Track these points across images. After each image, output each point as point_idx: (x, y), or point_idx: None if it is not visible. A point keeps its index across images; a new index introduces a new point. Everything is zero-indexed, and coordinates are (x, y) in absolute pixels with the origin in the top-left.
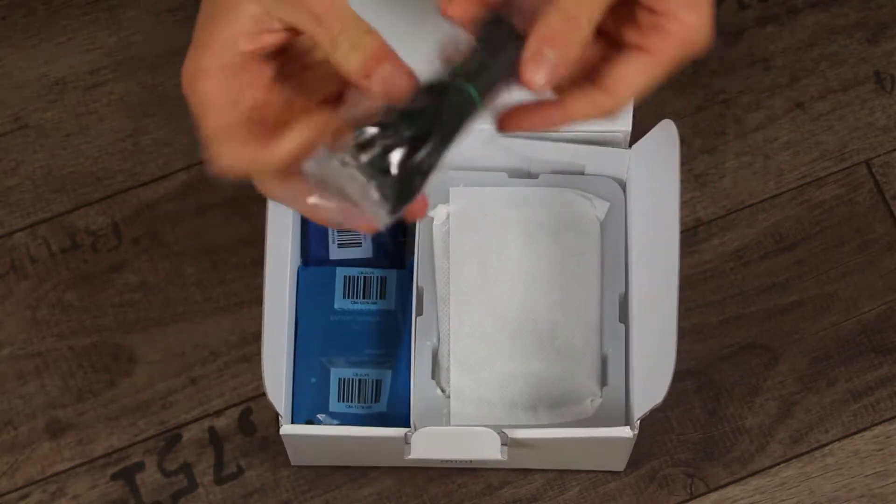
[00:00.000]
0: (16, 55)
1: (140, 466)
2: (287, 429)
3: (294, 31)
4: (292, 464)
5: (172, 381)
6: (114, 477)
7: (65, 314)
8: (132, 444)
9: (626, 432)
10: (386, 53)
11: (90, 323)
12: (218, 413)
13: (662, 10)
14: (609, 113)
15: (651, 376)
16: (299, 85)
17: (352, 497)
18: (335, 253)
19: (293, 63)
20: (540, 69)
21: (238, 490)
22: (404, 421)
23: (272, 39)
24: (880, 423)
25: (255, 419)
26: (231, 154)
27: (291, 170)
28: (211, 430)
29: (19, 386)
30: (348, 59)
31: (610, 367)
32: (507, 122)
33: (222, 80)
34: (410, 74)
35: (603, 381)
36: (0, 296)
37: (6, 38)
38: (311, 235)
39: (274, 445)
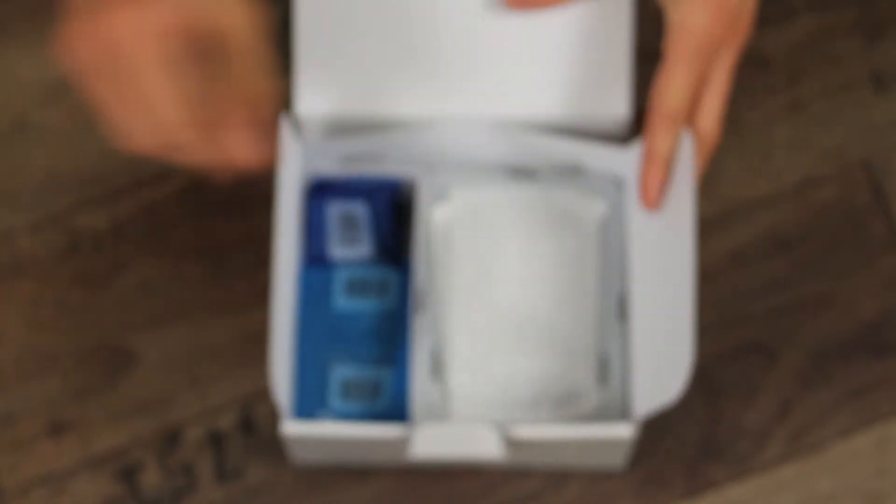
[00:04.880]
0: (16, 55)
1: (140, 466)
2: (287, 427)
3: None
4: (292, 463)
5: (172, 381)
6: (114, 476)
7: (65, 314)
8: (132, 443)
9: (626, 430)
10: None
11: (90, 323)
12: (218, 413)
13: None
14: (677, 123)
15: (661, 374)
16: None
17: (352, 497)
18: (336, 251)
19: None
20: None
21: (238, 490)
22: (404, 419)
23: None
24: (880, 422)
25: (255, 419)
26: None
27: None
28: (211, 429)
29: (20, 385)
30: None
31: (609, 366)
32: (646, 200)
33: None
34: None
35: (602, 380)
36: (0, 296)
37: (6, 38)
38: (312, 234)
39: (274, 445)
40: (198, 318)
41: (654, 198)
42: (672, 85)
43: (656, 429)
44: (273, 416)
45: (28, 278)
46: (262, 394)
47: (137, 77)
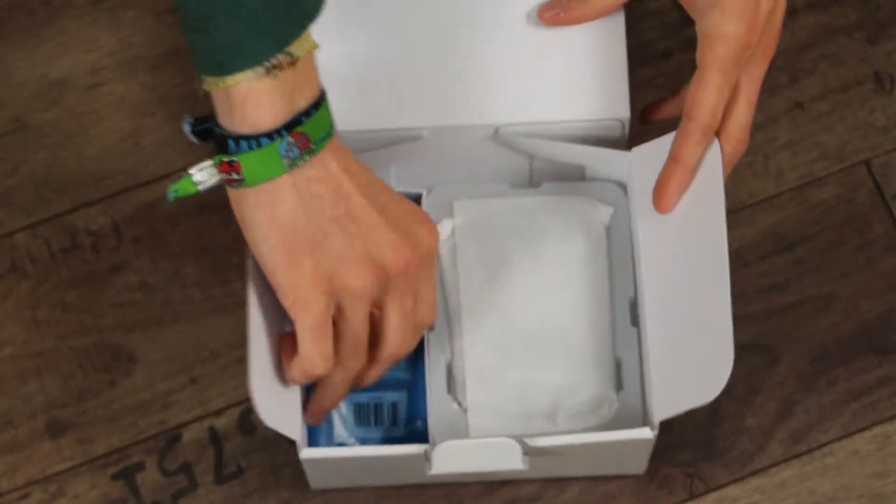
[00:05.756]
0: (16, 55)
1: (140, 466)
2: (307, 452)
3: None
4: (312, 487)
5: (172, 381)
6: (114, 477)
7: (65, 314)
8: (132, 444)
9: (646, 433)
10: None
11: (90, 323)
12: (218, 413)
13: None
14: (709, 131)
15: (688, 377)
16: None
17: (351, 497)
18: None
19: None
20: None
21: (238, 490)
22: (423, 440)
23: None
24: (880, 423)
25: (255, 419)
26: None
27: None
28: (211, 430)
29: (19, 386)
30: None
31: (624, 372)
32: (660, 204)
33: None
34: None
35: (618, 386)
36: (0, 296)
37: (6, 38)
38: None
39: (274, 445)
40: (197, 318)
41: (669, 202)
42: (707, 94)
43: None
44: None
45: (28, 278)
46: None
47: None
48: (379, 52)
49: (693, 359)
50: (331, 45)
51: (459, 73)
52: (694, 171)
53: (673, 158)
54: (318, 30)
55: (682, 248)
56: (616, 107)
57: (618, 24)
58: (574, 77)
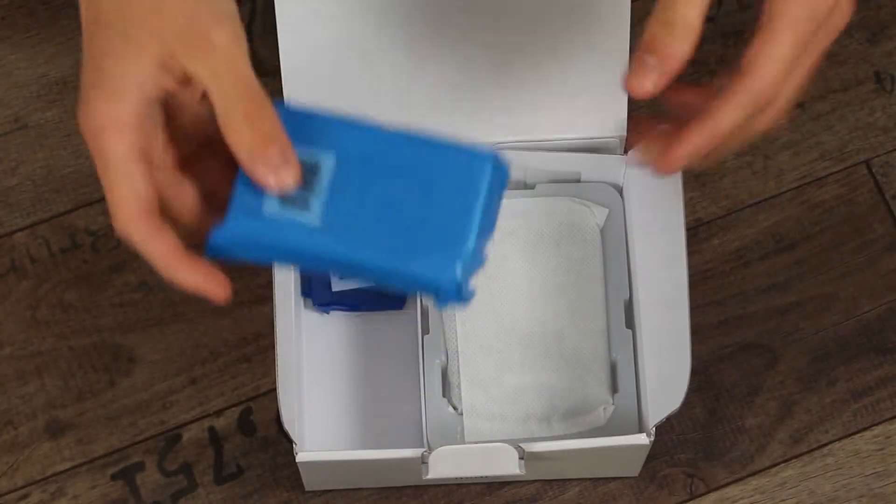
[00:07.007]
0: (16, 55)
1: (140, 466)
2: (304, 456)
3: (186, 82)
4: (307, 489)
5: (172, 381)
6: (114, 477)
7: (65, 314)
8: (132, 444)
9: (642, 439)
10: (278, 137)
11: (90, 323)
12: (218, 413)
13: None
14: (761, 102)
15: (666, 382)
16: (172, 133)
17: (352, 497)
18: (336, 284)
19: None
20: (645, 76)
21: (238, 490)
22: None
23: (170, 86)
24: (880, 423)
25: (255, 419)
26: (137, 233)
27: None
28: (211, 430)
29: (19, 386)
30: (238, 132)
31: (620, 374)
32: (663, 162)
33: (135, 137)
34: (297, 168)
35: (613, 388)
36: (0, 296)
37: (6, 38)
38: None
39: (274, 445)
40: (197, 318)
41: (676, 163)
42: (773, 50)
43: (656, 429)
44: (273, 417)
45: (27, 278)
46: (262, 394)
47: (103, 171)
48: (375, 71)
49: (668, 362)
50: (329, 60)
51: (457, 92)
52: (717, 140)
53: (707, 114)
54: (320, 46)
55: (662, 249)
56: (613, 125)
57: (622, 41)
58: (572, 95)
